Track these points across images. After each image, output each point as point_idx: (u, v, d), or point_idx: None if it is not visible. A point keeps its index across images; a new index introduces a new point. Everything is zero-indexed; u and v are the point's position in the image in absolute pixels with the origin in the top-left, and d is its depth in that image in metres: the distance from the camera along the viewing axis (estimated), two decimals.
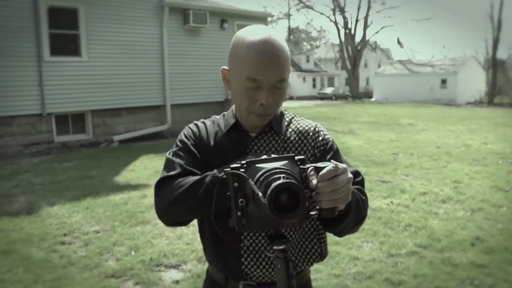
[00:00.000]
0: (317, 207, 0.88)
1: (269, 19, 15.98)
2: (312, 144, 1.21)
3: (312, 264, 1.23)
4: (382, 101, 34.41)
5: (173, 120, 11.86)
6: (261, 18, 14.27)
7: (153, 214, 4.90)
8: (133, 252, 3.83)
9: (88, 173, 7.19)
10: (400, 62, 39.65)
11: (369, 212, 5.01)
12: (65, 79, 9.98)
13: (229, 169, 0.85)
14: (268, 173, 0.83)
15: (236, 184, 0.84)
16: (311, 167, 0.88)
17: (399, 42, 45.08)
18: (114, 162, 8.24)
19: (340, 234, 1.11)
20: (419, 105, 28.52)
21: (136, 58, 11.10)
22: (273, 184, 0.78)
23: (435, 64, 36.93)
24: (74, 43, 10.20)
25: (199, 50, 12.26)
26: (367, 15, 39.07)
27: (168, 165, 1.17)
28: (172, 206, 1.09)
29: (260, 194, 0.79)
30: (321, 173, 0.85)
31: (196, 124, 1.26)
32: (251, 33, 1.11)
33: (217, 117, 1.29)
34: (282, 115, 1.25)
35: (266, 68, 1.08)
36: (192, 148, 1.19)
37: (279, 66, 1.09)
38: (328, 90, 40.54)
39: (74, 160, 8.47)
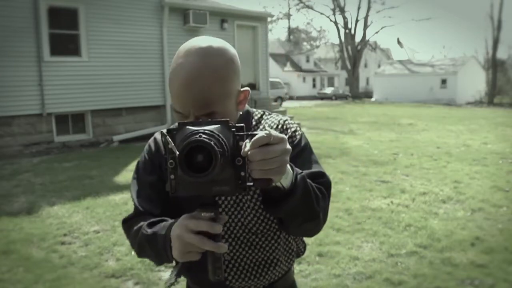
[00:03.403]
0: (251, 178, 0.82)
1: (269, 19, 15.97)
2: None
3: (293, 262, 1.22)
4: (382, 101, 34.41)
5: (173, 120, 11.85)
6: (261, 18, 14.27)
7: None
8: (133, 252, 3.83)
9: (88, 173, 7.19)
10: (400, 62, 39.67)
11: (369, 212, 5.05)
12: (65, 79, 9.98)
13: (164, 131, 0.83)
14: (190, 133, 0.79)
15: (170, 147, 0.80)
16: (247, 134, 0.82)
17: (399, 42, 45.12)
18: (114, 162, 8.24)
19: (286, 224, 1.01)
20: (419, 105, 28.52)
21: (136, 58, 11.10)
22: (185, 141, 0.76)
23: (435, 64, 36.96)
24: (74, 43, 10.20)
25: None
26: (367, 15, 39.12)
27: (131, 194, 1.17)
28: (142, 256, 1.12)
29: (177, 153, 0.77)
30: (252, 139, 0.79)
31: (154, 138, 1.19)
32: (180, 53, 1.01)
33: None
34: (248, 113, 1.18)
35: (185, 102, 0.98)
36: (146, 175, 1.15)
37: (201, 102, 0.97)
38: (328, 90, 40.54)
39: (74, 160, 8.47)
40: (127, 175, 7.05)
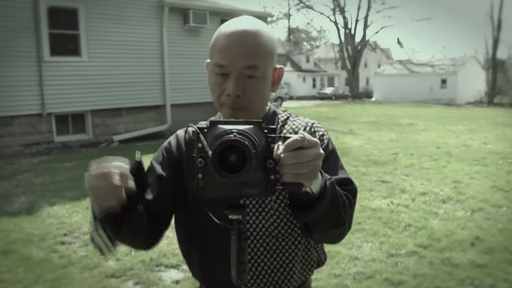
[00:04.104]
0: (282, 181, 0.80)
1: (269, 19, 15.98)
2: None
3: (311, 272, 1.20)
4: (382, 101, 34.42)
5: (173, 120, 11.86)
6: (261, 18, 14.20)
7: None
8: (133, 252, 3.82)
9: None
10: (400, 62, 39.66)
11: (369, 212, 5.05)
12: (65, 79, 9.98)
13: (195, 128, 0.80)
14: (224, 132, 0.77)
15: (200, 145, 0.78)
16: (280, 137, 0.81)
17: (399, 42, 45.14)
18: None
19: (311, 229, 0.98)
20: (419, 105, 28.53)
21: (136, 58, 11.10)
22: (219, 140, 0.74)
23: (435, 64, 36.94)
24: (74, 43, 10.20)
25: (199, 50, 12.25)
26: (367, 15, 39.12)
27: None
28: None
29: (210, 152, 0.74)
30: (286, 142, 0.78)
31: (176, 135, 1.18)
32: (231, 22, 1.06)
33: (212, 119, 1.24)
34: (275, 114, 1.17)
35: (231, 52, 1.00)
36: (158, 168, 1.13)
37: (248, 51, 1.00)
38: (328, 90, 40.54)
39: (74, 160, 8.47)
40: None
